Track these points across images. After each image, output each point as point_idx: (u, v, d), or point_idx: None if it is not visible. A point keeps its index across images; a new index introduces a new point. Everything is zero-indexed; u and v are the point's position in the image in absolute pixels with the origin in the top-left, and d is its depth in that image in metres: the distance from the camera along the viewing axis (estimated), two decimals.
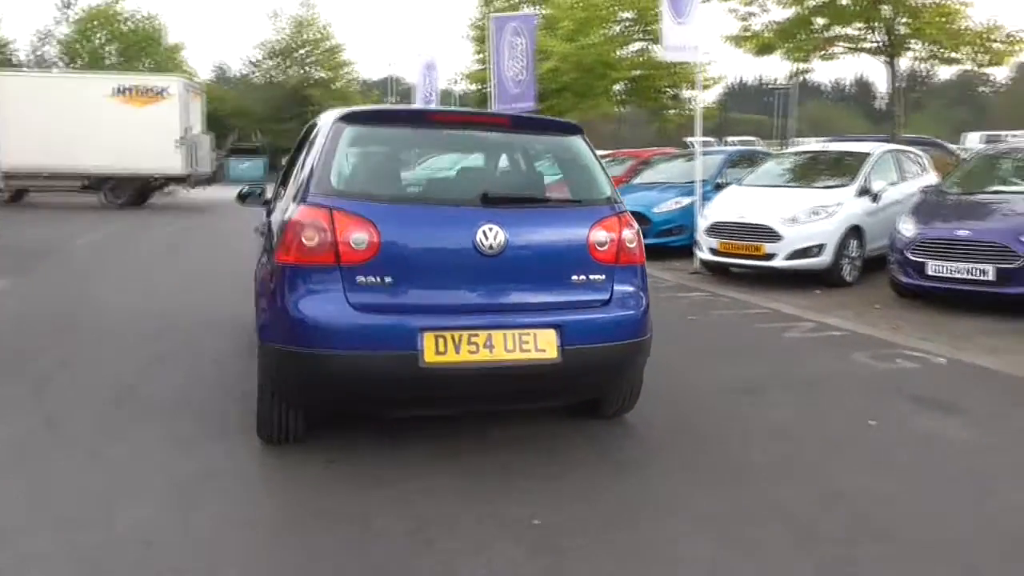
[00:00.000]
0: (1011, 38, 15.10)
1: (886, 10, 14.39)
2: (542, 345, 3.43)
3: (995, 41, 14.94)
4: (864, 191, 9.22)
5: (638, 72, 21.56)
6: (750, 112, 66.61)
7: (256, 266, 4.19)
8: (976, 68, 16.04)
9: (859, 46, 15.40)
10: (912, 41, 14.93)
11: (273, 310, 3.43)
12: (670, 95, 22.56)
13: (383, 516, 3.16)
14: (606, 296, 3.65)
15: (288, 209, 3.63)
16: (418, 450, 3.82)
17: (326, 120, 3.89)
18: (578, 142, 3.94)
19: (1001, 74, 62.92)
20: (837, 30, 14.72)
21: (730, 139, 35.42)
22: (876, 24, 14.84)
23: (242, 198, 5.70)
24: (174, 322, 6.65)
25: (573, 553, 2.90)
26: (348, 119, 3.65)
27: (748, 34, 15.12)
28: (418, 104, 27.86)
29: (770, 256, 8.75)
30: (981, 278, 7.18)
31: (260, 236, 4.88)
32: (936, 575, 2.86)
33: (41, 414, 4.33)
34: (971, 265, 7.24)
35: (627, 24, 21.80)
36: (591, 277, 3.63)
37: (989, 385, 5.23)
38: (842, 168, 9.85)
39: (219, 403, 4.51)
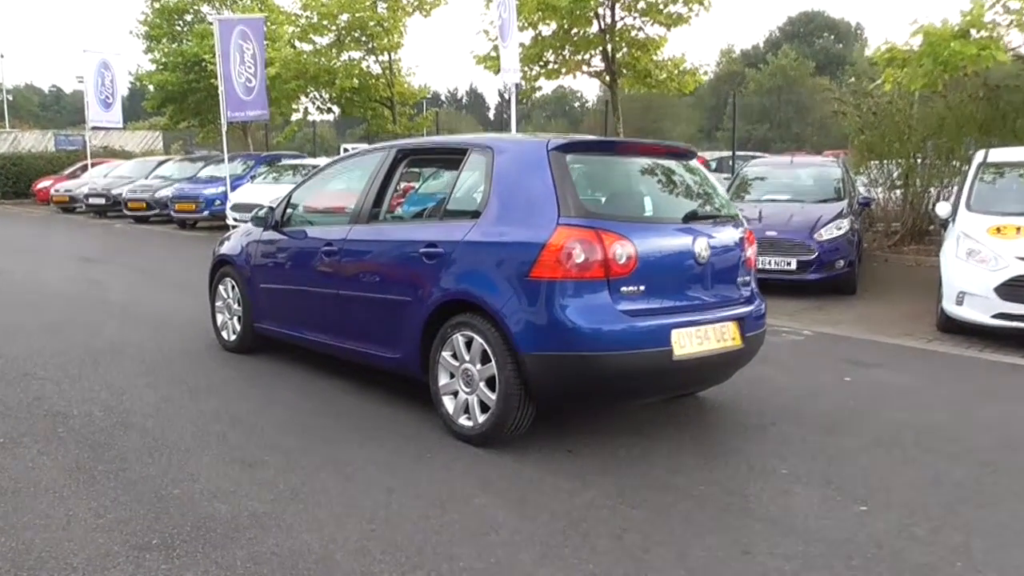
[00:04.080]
0: (694, 68, 18.48)
1: (608, 41, 16.84)
2: (733, 335, 4.27)
3: (683, 72, 18.17)
4: None
5: (358, 82, 21.93)
6: None
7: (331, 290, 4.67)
8: (665, 92, 19.13)
9: (584, 69, 17.75)
10: (625, 68, 17.54)
11: (543, 321, 3.82)
12: (386, 105, 23.27)
13: (681, 482, 3.78)
14: (749, 293, 4.58)
15: (504, 232, 4.02)
16: (625, 427, 4.46)
17: (509, 147, 4.32)
18: (698, 165, 4.78)
19: (591, 94, 72.64)
20: (577, 56, 16.82)
21: None
22: (596, 52, 17.27)
23: (259, 220, 5.65)
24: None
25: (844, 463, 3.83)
26: (564, 149, 4.12)
27: (496, 55, 16.53)
28: (93, 104, 25.36)
29: None
30: (787, 268, 9.24)
31: (326, 259, 5.02)
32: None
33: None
34: (779, 258, 9.27)
35: (342, 31, 22.06)
36: (745, 278, 4.53)
37: (864, 347, 6.99)
38: None
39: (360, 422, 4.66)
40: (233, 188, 16.64)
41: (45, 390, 5.13)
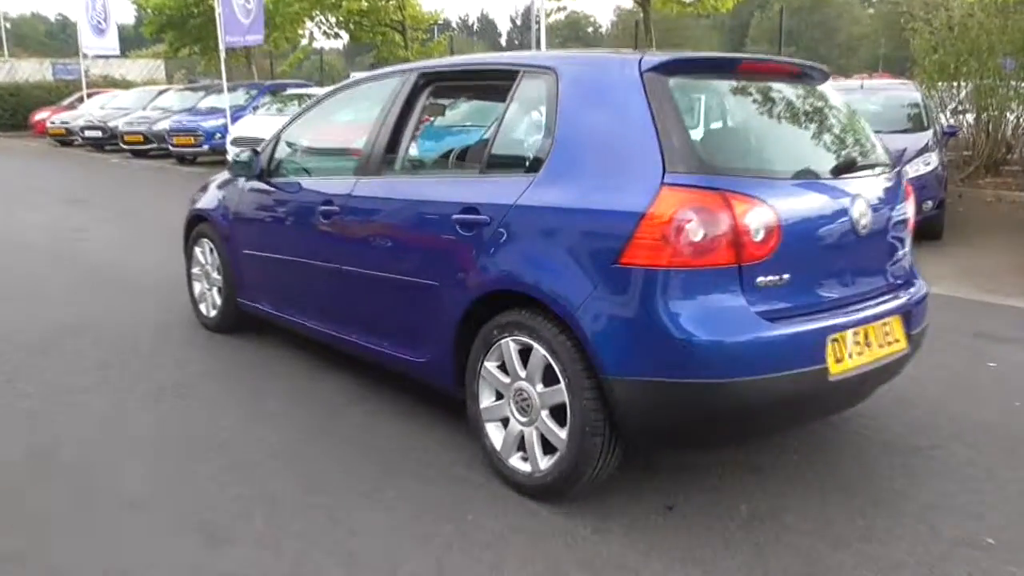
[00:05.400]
0: None
1: None
2: (897, 335, 3.00)
3: None
4: None
5: (366, 4, 20.24)
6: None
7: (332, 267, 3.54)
8: (701, 11, 17.43)
9: None
10: None
11: (642, 330, 2.55)
12: (397, 30, 21.62)
13: (849, 563, 2.58)
14: (909, 270, 3.30)
15: (578, 194, 2.73)
16: (730, 460, 3.22)
17: (581, 68, 2.99)
18: (833, 92, 3.41)
19: (605, 19, 70.05)
20: None
21: None
22: None
23: (241, 166, 4.38)
24: None
25: None
26: (666, 69, 2.76)
27: None
28: (86, 31, 23.84)
29: None
30: None
31: (322, 223, 3.78)
32: None
33: None
34: None
35: None
36: (904, 252, 3.24)
37: (987, 313, 5.73)
38: None
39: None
40: (234, 120, 15.27)
41: None
